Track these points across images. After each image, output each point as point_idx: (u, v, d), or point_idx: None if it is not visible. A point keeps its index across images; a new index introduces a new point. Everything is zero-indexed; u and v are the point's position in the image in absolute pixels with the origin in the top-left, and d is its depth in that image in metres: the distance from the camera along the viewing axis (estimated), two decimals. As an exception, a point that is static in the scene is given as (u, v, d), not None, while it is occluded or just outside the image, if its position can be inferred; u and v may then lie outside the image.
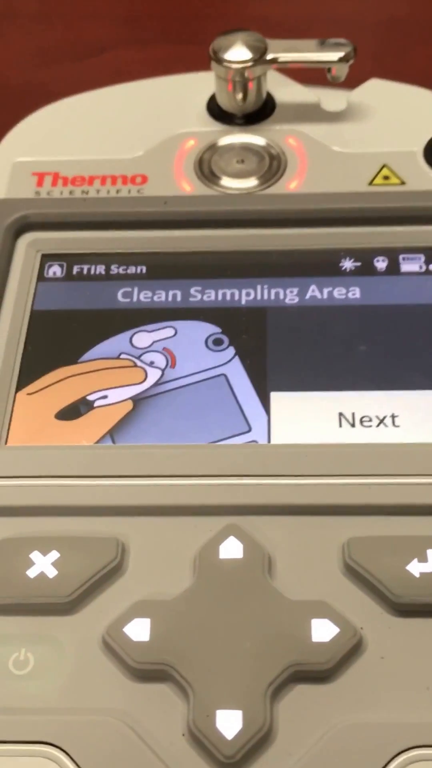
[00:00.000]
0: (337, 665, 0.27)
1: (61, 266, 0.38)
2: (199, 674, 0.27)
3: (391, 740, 0.26)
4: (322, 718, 0.26)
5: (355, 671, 0.27)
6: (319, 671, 0.27)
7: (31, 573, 0.29)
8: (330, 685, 0.27)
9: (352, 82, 0.43)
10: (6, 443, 0.33)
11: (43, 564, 0.29)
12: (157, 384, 0.34)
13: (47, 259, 0.38)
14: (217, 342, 0.35)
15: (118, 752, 0.26)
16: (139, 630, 0.28)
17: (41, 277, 0.37)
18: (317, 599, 0.28)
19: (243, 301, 0.36)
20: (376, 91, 0.44)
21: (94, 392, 0.34)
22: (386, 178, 0.40)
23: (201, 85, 0.44)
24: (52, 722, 0.26)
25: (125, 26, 0.63)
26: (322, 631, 0.28)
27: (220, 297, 0.36)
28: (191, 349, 0.35)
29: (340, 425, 0.33)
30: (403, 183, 0.40)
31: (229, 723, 0.26)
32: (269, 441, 0.32)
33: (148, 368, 0.34)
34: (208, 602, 0.28)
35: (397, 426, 0.33)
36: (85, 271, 0.38)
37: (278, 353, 0.35)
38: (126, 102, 0.44)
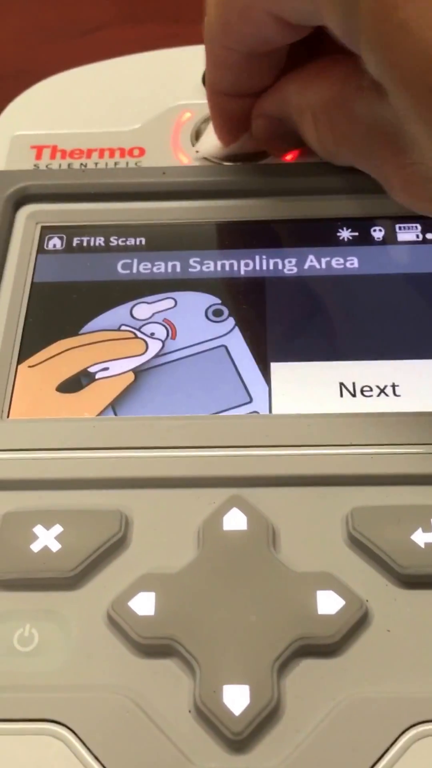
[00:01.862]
0: (344, 639, 0.25)
1: (61, 238, 0.35)
2: (205, 649, 0.25)
3: (400, 715, 0.24)
4: (329, 693, 0.25)
5: (361, 645, 0.25)
6: (325, 645, 0.25)
7: (35, 547, 0.27)
8: (336, 660, 0.25)
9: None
10: (8, 416, 0.30)
11: (46, 538, 0.27)
12: (158, 355, 0.32)
13: (47, 231, 0.36)
14: (217, 313, 0.33)
15: (123, 729, 0.24)
16: (144, 604, 0.26)
17: (41, 249, 0.35)
18: (322, 571, 0.26)
19: (242, 272, 0.34)
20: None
21: (95, 364, 0.32)
22: (381, 148, 0.37)
23: (196, 58, 0.41)
24: (57, 700, 0.24)
25: (120, 5, 0.61)
26: (328, 603, 0.26)
27: (219, 268, 0.34)
28: (191, 320, 0.33)
29: (341, 395, 0.30)
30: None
31: (236, 698, 0.24)
32: (270, 412, 0.30)
33: (148, 340, 0.32)
34: (213, 575, 0.26)
35: (398, 395, 0.30)
36: (84, 243, 0.35)
37: (278, 324, 0.32)
38: (123, 75, 0.42)
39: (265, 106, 0.34)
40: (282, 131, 0.34)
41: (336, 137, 0.32)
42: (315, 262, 0.34)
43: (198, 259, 0.34)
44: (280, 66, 0.33)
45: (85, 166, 0.38)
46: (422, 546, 0.26)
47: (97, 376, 0.32)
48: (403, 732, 0.24)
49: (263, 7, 0.29)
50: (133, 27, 0.57)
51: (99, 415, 0.31)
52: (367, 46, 0.26)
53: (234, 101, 0.34)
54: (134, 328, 0.33)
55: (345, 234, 0.35)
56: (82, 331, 0.33)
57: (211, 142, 0.37)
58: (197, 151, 0.37)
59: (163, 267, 0.34)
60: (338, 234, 0.35)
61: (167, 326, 0.33)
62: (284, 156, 0.37)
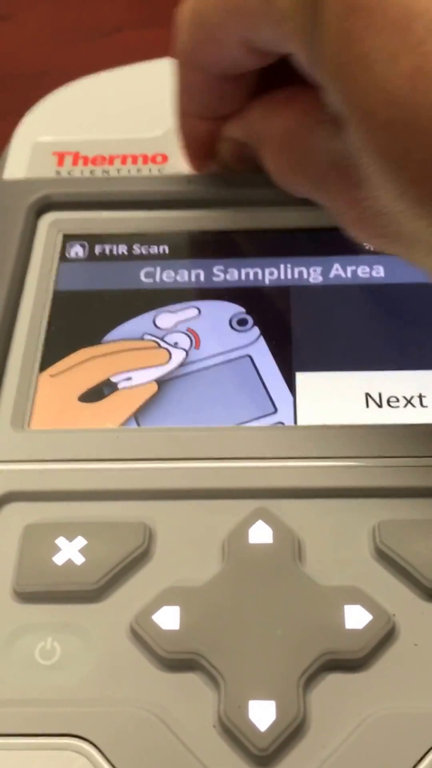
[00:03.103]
0: (371, 653, 0.25)
1: (83, 246, 0.36)
2: (230, 663, 0.25)
3: (428, 731, 0.24)
4: (355, 708, 0.25)
5: (388, 659, 0.25)
6: (352, 660, 0.25)
7: (58, 560, 0.27)
8: (363, 674, 0.25)
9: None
10: (30, 426, 0.31)
11: (69, 550, 0.27)
12: (181, 365, 0.32)
13: (69, 239, 0.36)
14: (242, 322, 0.33)
15: (147, 744, 0.24)
16: (168, 618, 0.26)
17: (63, 257, 0.36)
18: (349, 585, 0.27)
19: (266, 281, 0.34)
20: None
21: (118, 374, 0.32)
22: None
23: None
24: (80, 714, 0.25)
25: (138, 7, 0.61)
26: (355, 617, 0.26)
27: (243, 276, 0.34)
28: (215, 329, 0.33)
29: (367, 405, 0.31)
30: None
31: (262, 714, 0.24)
32: (295, 422, 0.30)
33: (172, 349, 0.33)
34: (238, 589, 0.26)
35: (425, 406, 0.31)
36: (107, 251, 0.36)
37: (303, 333, 0.33)
38: (145, 81, 0.42)
39: (231, 130, 0.34)
40: (248, 156, 0.34)
41: (293, 167, 0.32)
42: (341, 270, 0.34)
43: (222, 268, 0.35)
44: (249, 91, 0.33)
45: (108, 173, 0.38)
46: (450, 559, 0.27)
47: (119, 386, 0.32)
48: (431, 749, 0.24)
49: (233, 31, 0.29)
50: (151, 29, 0.57)
51: (122, 425, 0.31)
52: (328, 77, 0.26)
53: (203, 124, 0.35)
54: (157, 338, 0.33)
55: (371, 242, 0.35)
56: (104, 340, 0.33)
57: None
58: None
59: (186, 275, 0.35)
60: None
61: (191, 336, 0.33)
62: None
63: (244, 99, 0.33)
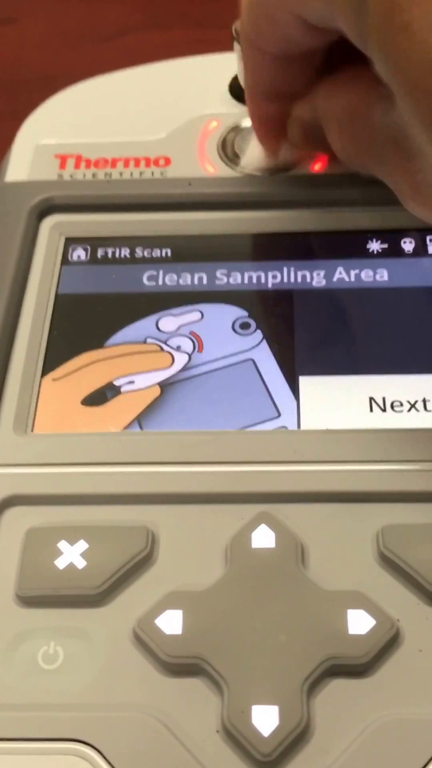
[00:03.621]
0: (374, 659, 0.25)
1: (85, 249, 0.36)
2: (233, 668, 0.25)
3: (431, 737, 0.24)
4: (359, 714, 0.25)
5: (392, 665, 0.25)
6: (355, 665, 0.25)
7: (60, 563, 0.27)
8: (367, 680, 0.25)
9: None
10: (32, 430, 0.31)
11: (71, 554, 0.27)
12: (184, 369, 0.32)
13: (71, 242, 0.36)
14: (244, 326, 0.33)
15: (150, 749, 0.24)
16: (171, 622, 0.26)
17: (65, 260, 0.36)
18: (352, 590, 0.27)
19: (269, 284, 0.34)
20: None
21: (121, 377, 0.32)
22: (411, 158, 0.38)
23: (223, 66, 0.42)
24: (82, 719, 0.25)
25: (144, 10, 0.61)
26: (359, 623, 0.26)
27: (246, 280, 0.34)
28: (218, 333, 0.33)
29: (371, 410, 0.31)
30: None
31: (265, 719, 0.24)
32: (299, 427, 0.30)
33: (174, 353, 0.33)
34: (241, 593, 0.26)
35: (429, 410, 0.31)
36: (109, 254, 0.36)
37: (306, 337, 0.33)
38: (148, 84, 0.42)
39: (299, 111, 0.35)
40: (316, 136, 0.34)
41: (355, 144, 0.32)
42: (344, 274, 0.34)
43: (225, 271, 0.35)
44: (314, 71, 0.34)
45: (110, 176, 0.38)
46: (454, 564, 0.27)
47: (122, 390, 0.32)
48: (436, 754, 0.24)
49: (286, 8, 0.30)
50: (157, 32, 0.58)
51: (125, 429, 0.31)
52: (375, 49, 0.26)
53: (271, 105, 0.35)
54: (160, 341, 0.33)
55: (374, 246, 0.35)
56: (107, 344, 0.33)
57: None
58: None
59: (189, 279, 0.35)
60: (367, 246, 0.35)
61: (194, 339, 0.33)
62: (312, 166, 0.37)
63: (309, 79, 0.34)
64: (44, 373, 0.32)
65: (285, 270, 0.35)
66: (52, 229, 0.36)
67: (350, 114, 0.31)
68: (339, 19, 0.28)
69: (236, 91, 0.41)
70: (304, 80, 0.34)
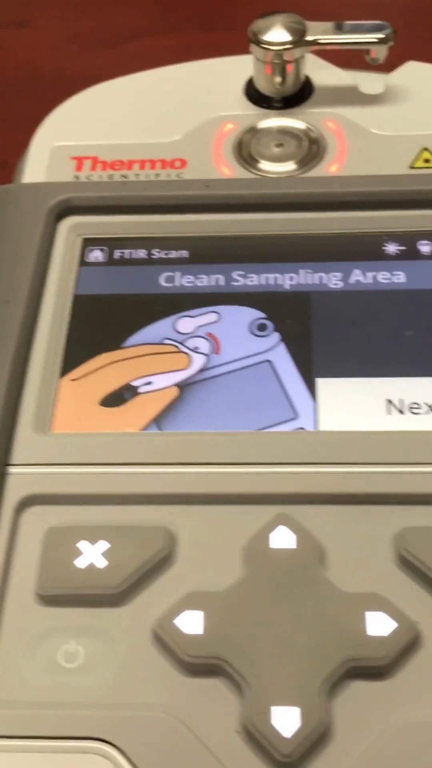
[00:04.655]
0: (394, 661, 0.25)
1: (103, 250, 0.36)
2: (253, 669, 0.25)
3: (452, 738, 0.24)
4: (379, 716, 0.25)
5: (412, 667, 0.25)
6: (375, 667, 0.25)
7: (80, 563, 0.27)
8: (387, 682, 0.25)
9: (383, 66, 0.41)
10: (52, 430, 0.31)
11: (91, 554, 0.27)
12: (202, 370, 0.32)
13: (89, 243, 0.36)
14: (261, 327, 0.33)
15: (171, 749, 0.24)
16: (190, 622, 0.26)
17: (83, 261, 0.35)
18: (371, 592, 0.26)
19: (286, 286, 0.34)
20: (414, 73, 0.42)
21: (139, 378, 0.32)
22: (427, 161, 0.38)
23: (238, 68, 0.42)
24: (103, 718, 0.25)
25: (156, 13, 0.61)
26: (378, 624, 0.26)
27: (263, 281, 0.34)
28: (235, 334, 0.33)
29: (389, 412, 0.31)
30: (444, 166, 0.37)
31: (286, 720, 0.24)
32: (316, 428, 0.30)
33: (192, 354, 0.32)
34: (261, 594, 0.26)
35: (447, 413, 0.30)
36: (126, 256, 0.36)
37: (323, 338, 0.33)
38: (163, 86, 0.42)
39: None
40: None
41: None
42: (361, 276, 0.34)
43: (242, 273, 0.35)
44: None
45: (126, 177, 0.38)
46: (473, 566, 0.27)
47: (140, 390, 0.32)
48: (457, 756, 0.24)
49: None
50: (169, 35, 0.58)
51: (143, 429, 0.31)
52: None
53: None
54: (178, 342, 0.33)
55: (391, 248, 0.35)
56: (124, 345, 0.33)
57: None
58: None
59: (206, 280, 0.35)
60: (384, 248, 0.35)
61: (211, 340, 0.33)
62: (328, 168, 0.37)
63: None
64: (63, 373, 0.32)
65: (302, 272, 0.35)
66: (69, 230, 0.36)
67: None
68: None
69: (252, 93, 0.41)
70: None
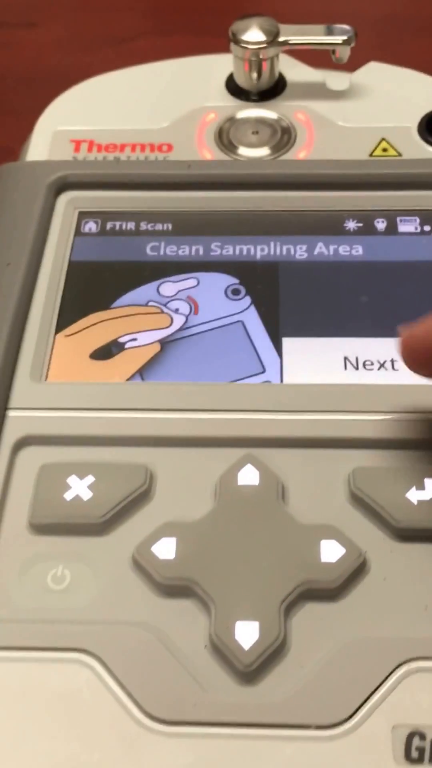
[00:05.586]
0: (344, 585, 0.25)
1: (96, 222, 0.35)
2: (220, 590, 0.24)
3: (393, 653, 0.23)
4: (330, 633, 0.24)
5: (360, 591, 0.25)
6: (327, 590, 0.24)
7: (68, 496, 0.26)
8: (337, 603, 0.25)
9: (355, 68, 0.40)
10: (47, 379, 0.30)
11: (79, 487, 0.26)
12: (181, 329, 0.31)
13: (84, 215, 0.35)
14: (235, 292, 0.32)
15: (146, 661, 0.23)
16: (165, 548, 0.25)
17: (78, 231, 0.34)
18: (325, 523, 0.26)
19: (258, 256, 0.33)
20: (375, 72, 0.41)
21: (125, 335, 0.31)
22: (384, 150, 0.37)
23: (220, 65, 0.41)
24: (86, 632, 0.24)
25: (153, 18, 0.60)
26: (330, 552, 0.25)
27: (237, 252, 0.33)
28: (212, 298, 0.32)
29: (345, 368, 0.30)
30: (399, 155, 0.36)
31: (247, 634, 0.23)
32: (281, 381, 0.30)
33: (173, 314, 0.32)
34: (228, 524, 0.26)
35: (396, 369, 0.30)
36: (117, 227, 0.34)
37: (289, 303, 0.32)
38: (154, 79, 0.41)
39: None
40: None
41: None
42: (324, 249, 0.33)
43: (219, 244, 0.34)
44: None
45: (119, 158, 0.37)
46: (415, 503, 0.26)
47: (126, 346, 0.31)
48: (397, 667, 0.23)
49: None
50: (164, 38, 0.56)
51: (128, 380, 0.30)
52: None
53: None
54: (161, 304, 0.32)
55: (351, 225, 0.34)
56: (113, 306, 0.32)
57: None
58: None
59: (187, 250, 0.34)
60: (345, 225, 0.34)
61: (190, 303, 0.32)
62: (298, 154, 0.36)
63: None
64: (58, 330, 0.31)
65: (272, 244, 0.34)
66: (67, 203, 0.35)
67: None
68: None
69: (232, 87, 0.40)
70: None
